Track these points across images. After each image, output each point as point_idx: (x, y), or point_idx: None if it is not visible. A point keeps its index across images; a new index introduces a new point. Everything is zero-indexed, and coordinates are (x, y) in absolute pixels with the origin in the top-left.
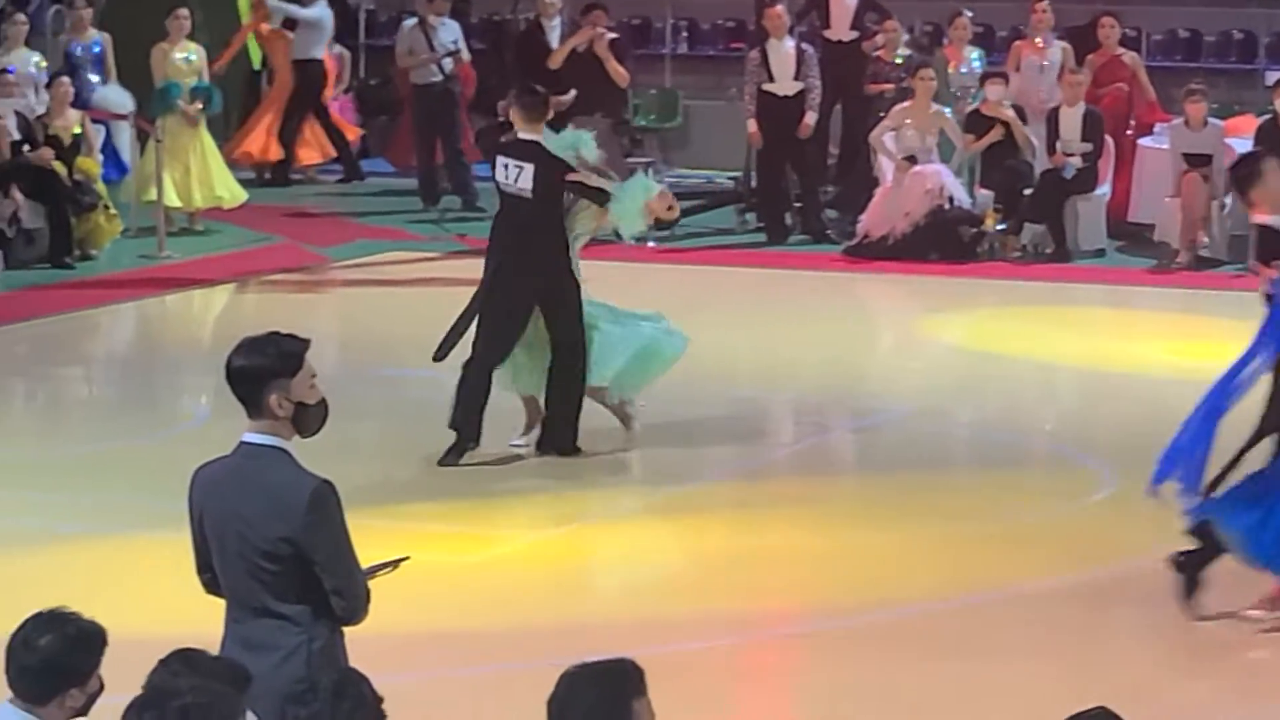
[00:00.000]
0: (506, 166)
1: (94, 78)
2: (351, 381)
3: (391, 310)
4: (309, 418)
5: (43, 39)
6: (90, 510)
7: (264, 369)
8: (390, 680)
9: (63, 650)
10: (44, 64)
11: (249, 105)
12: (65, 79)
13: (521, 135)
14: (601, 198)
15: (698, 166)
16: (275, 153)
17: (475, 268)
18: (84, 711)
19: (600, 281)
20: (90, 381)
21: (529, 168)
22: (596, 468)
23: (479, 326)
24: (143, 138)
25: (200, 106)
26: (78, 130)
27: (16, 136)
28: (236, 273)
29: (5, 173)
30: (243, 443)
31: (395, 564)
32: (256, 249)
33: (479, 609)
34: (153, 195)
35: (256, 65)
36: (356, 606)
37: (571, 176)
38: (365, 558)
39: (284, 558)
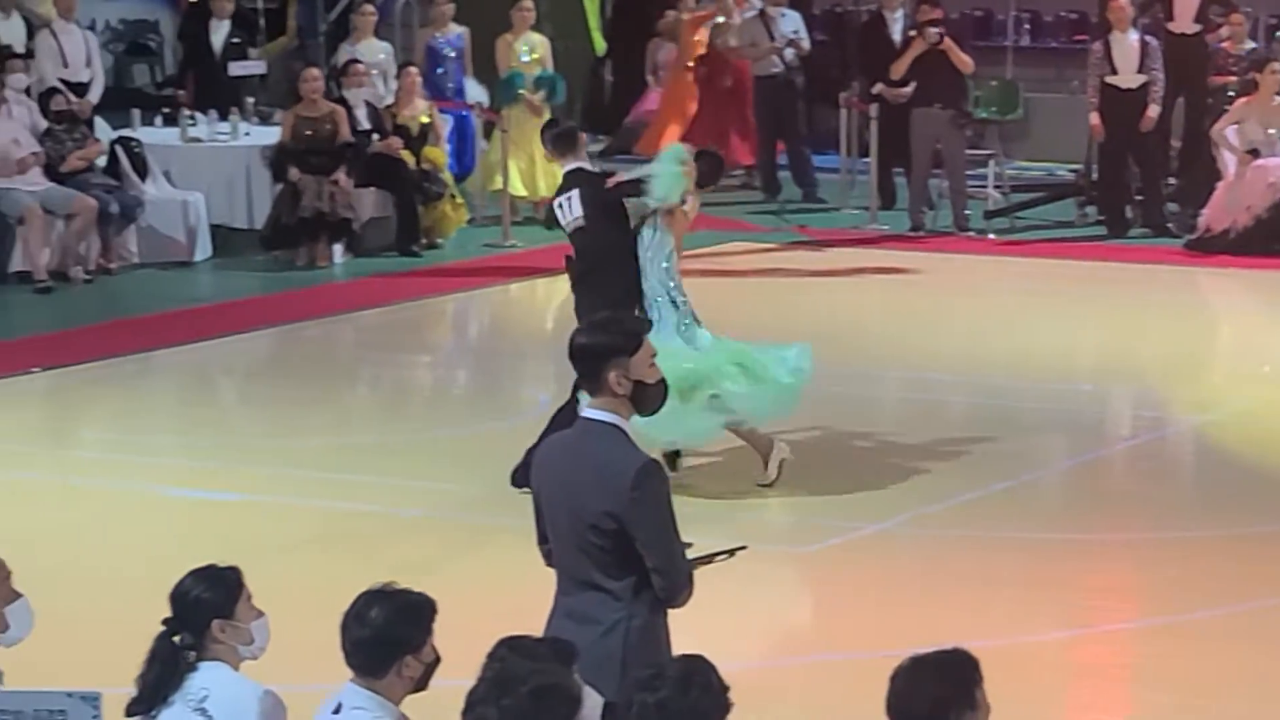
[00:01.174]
0: (560, 205)
1: (455, 71)
2: None
3: (733, 300)
4: (648, 396)
5: (392, 29)
6: (429, 495)
7: (605, 347)
8: (725, 667)
9: (393, 621)
10: (392, 54)
11: (593, 94)
12: (413, 69)
13: (565, 169)
14: (640, 186)
15: (1038, 159)
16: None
17: (815, 259)
18: (423, 683)
19: (936, 273)
20: (434, 368)
21: (575, 193)
22: (934, 455)
23: None
24: (488, 128)
25: (544, 96)
26: (425, 120)
27: (366, 126)
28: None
29: (346, 159)
30: (581, 418)
31: (732, 552)
32: None
33: (806, 601)
34: (498, 184)
35: (600, 52)
36: (676, 588)
37: (612, 181)
38: (703, 546)
39: (609, 532)
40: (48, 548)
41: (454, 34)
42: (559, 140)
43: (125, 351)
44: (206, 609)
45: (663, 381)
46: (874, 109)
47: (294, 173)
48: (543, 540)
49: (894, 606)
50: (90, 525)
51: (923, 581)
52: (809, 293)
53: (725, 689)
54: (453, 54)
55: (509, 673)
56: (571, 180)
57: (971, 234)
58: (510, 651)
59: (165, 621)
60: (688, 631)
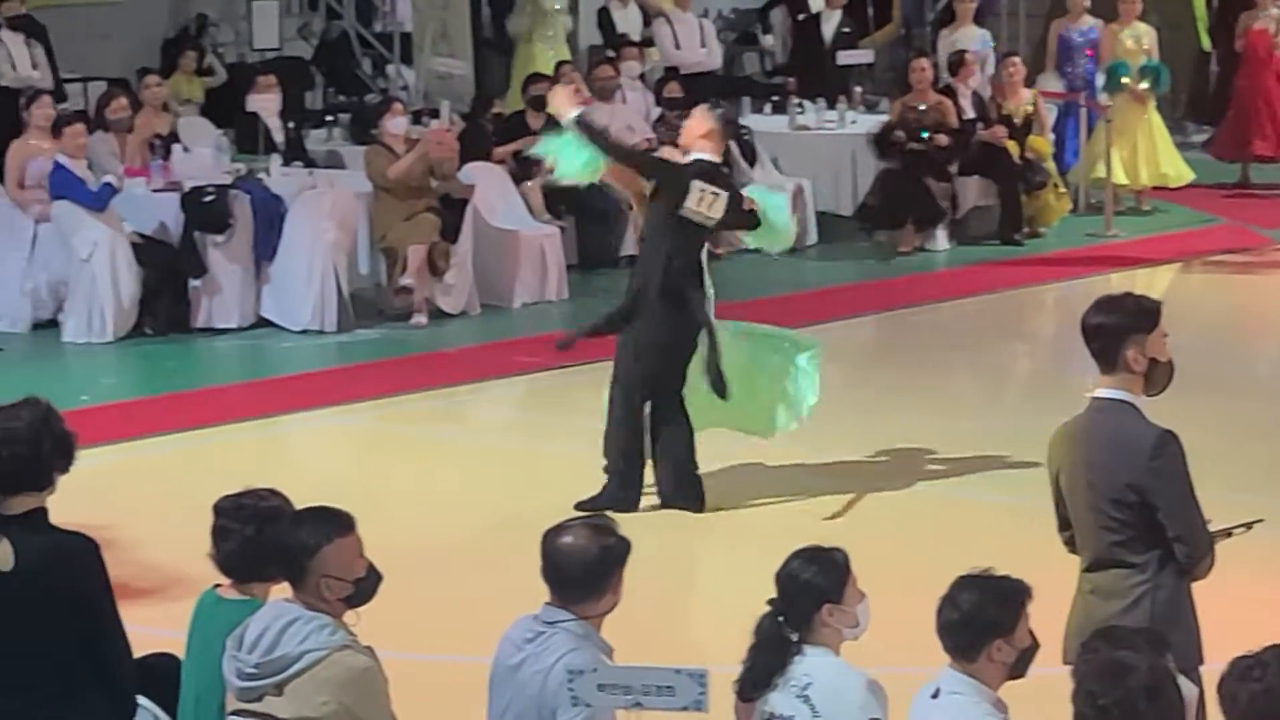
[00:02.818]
0: None
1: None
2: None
3: None
4: (1159, 374)
5: (997, 20)
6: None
7: (1121, 325)
8: None
9: (983, 605)
10: (989, 42)
11: (1197, 86)
12: (1016, 59)
13: None
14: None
15: None
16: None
17: None
18: (1020, 670)
19: None
20: (1032, 356)
21: None
22: None
23: None
24: (1092, 118)
25: (1147, 86)
26: (1030, 109)
27: (971, 115)
28: (1179, 253)
29: (952, 148)
30: (1094, 398)
31: (1250, 525)
32: (1200, 229)
33: None
34: (1100, 173)
35: (1205, 46)
36: (1199, 556)
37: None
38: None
39: (1130, 505)
40: (642, 527)
41: (1087, 25)
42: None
43: None
44: (816, 593)
45: (1171, 362)
46: None
47: (898, 134)
48: (1063, 527)
49: None
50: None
51: None
52: None
53: None
54: (1084, 45)
55: (1125, 663)
56: None
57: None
58: (1104, 642)
59: (771, 603)
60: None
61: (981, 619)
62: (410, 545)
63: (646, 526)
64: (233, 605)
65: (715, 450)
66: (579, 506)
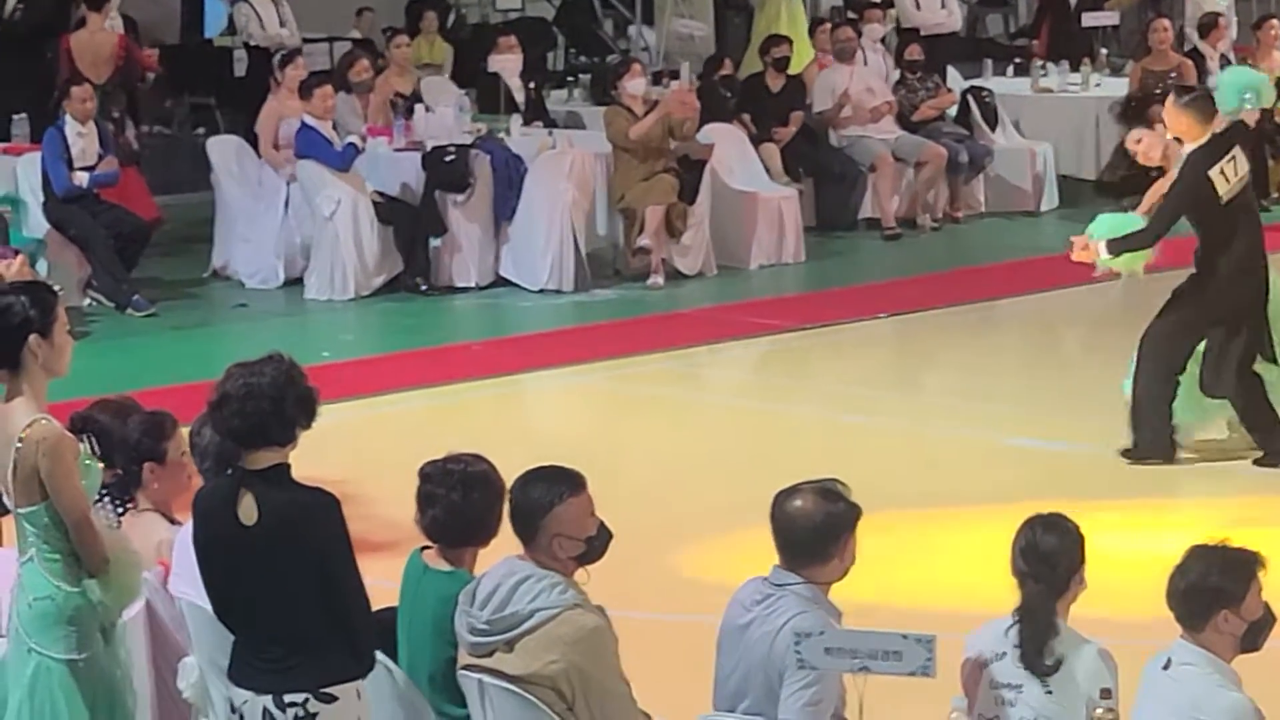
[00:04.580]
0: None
1: None
2: None
3: None
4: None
5: None
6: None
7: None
8: None
9: (1208, 573)
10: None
11: None
12: (1274, 20)
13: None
14: None
15: None
16: None
17: None
18: (1253, 644)
19: None
20: None
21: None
22: None
23: None
24: None
25: None
26: None
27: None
28: None
29: None
30: None
31: None
32: None
33: None
34: None
35: None
36: None
37: None
38: None
39: None
40: (902, 490)
41: None
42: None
43: (970, 300)
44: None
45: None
46: None
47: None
48: None
49: None
50: (928, 470)
51: None
52: None
53: None
54: None
55: None
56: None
57: None
58: None
59: (1030, 574)
60: None
61: (1206, 587)
62: (644, 505)
63: None
64: (440, 578)
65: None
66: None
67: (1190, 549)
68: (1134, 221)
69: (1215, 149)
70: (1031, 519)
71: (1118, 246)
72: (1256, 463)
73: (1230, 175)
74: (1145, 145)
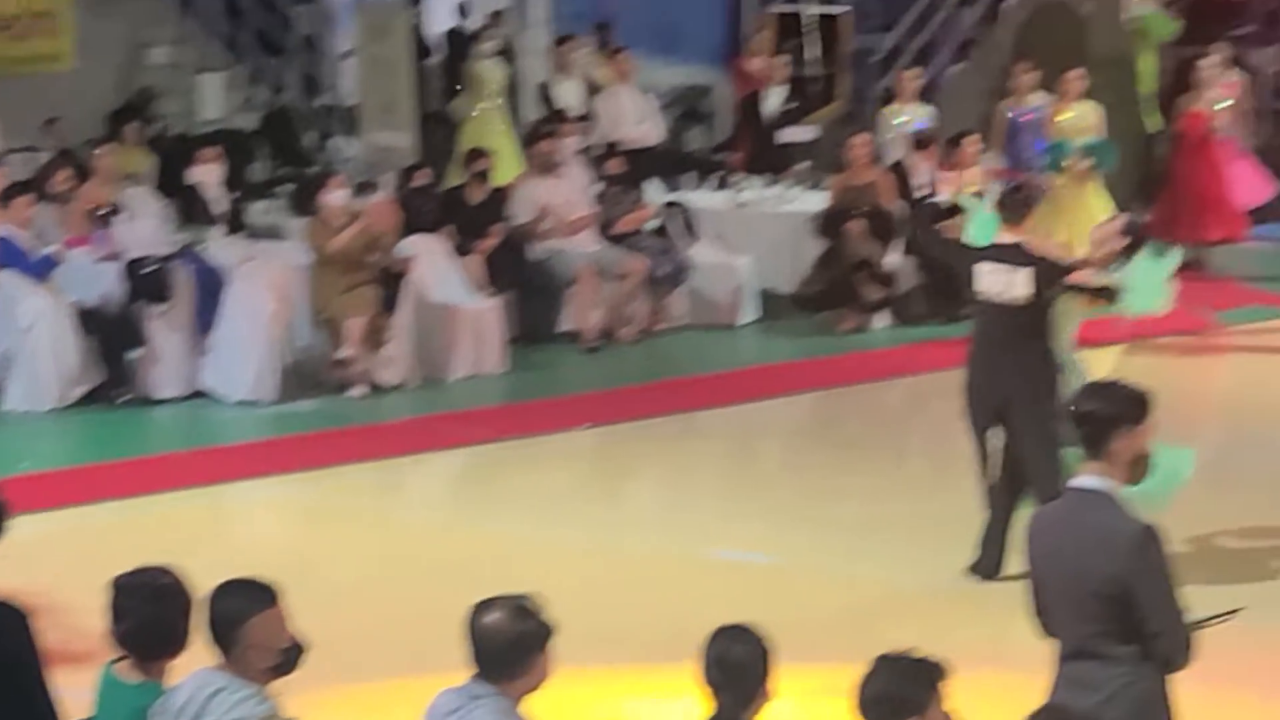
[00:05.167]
0: (993, 274)
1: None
2: (1235, 449)
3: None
4: (1141, 468)
5: (939, 95)
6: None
7: (1117, 414)
8: None
9: (894, 681)
10: (932, 120)
11: (1144, 168)
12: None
13: (1002, 239)
14: (1111, 295)
15: None
16: None
17: None
18: None
19: None
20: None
21: (1023, 273)
22: None
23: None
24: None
25: (1090, 164)
26: (976, 189)
27: (928, 193)
28: (1126, 334)
29: (890, 227)
30: (1072, 488)
31: (1229, 615)
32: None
33: None
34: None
35: (1152, 126)
36: (1178, 651)
37: (1075, 278)
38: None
39: (1111, 598)
40: (580, 604)
41: (1034, 103)
42: (1012, 209)
43: (669, 411)
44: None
45: (1149, 455)
46: None
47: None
48: (1040, 612)
49: None
50: (626, 583)
51: None
52: None
53: None
54: (1031, 123)
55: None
56: (1019, 256)
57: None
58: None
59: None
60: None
61: (891, 696)
62: (342, 616)
63: None
64: (131, 690)
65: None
66: None
67: (877, 659)
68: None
69: None
70: (720, 630)
71: None
72: (970, 569)
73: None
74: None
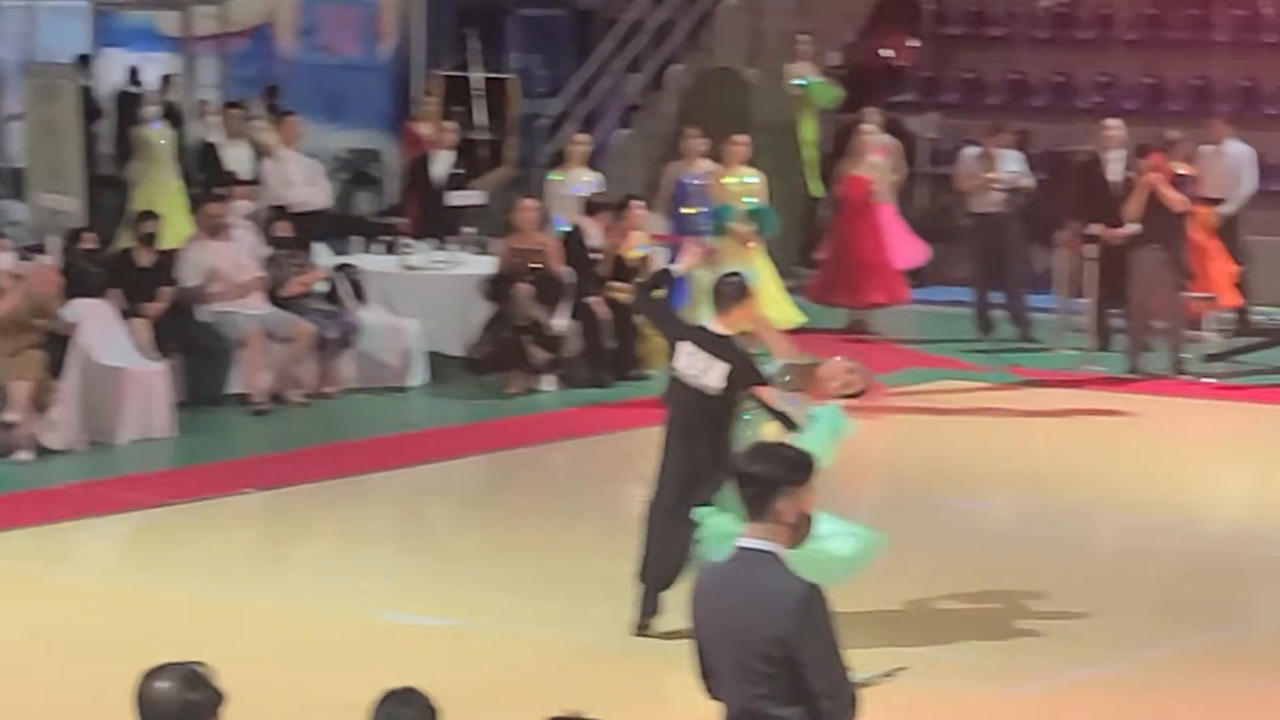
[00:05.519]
0: (693, 356)
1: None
2: (899, 508)
3: (942, 439)
4: (804, 529)
5: (608, 161)
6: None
7: (780, 477)
8: None
9: None
10: (601, 185)
11: (808, 233)
12: (637, 204)
13: (712, 327)
14: (788, 424)
15: (1261, 303)
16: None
17: (1029, 398)
18: None
19: (1151, 416)
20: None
21: (720, 366)
22: (1148, 599)
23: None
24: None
25: (752, 229)
26: (642, 253)
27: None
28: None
29: (558, 292)
30: (739, 548)
31: (889, 675)
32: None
33: None
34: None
35: (815, 192)
36: (844, 711)
37: (762, 392)
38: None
39: (776, 660)
40: (253, 669)
41: (702, 169)
42: (724, 297)
43: (340, 474)
44: None
45: (810, 517)
46: (1090, 249)
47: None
48: (704, 674)
49: None
50: (298, 647)
51: None
52: (1020, 432)
53: None
54: (698, 189)
55: None
56: (722, 348)
57: (1189, 377)
58: None
59: None
60: None
61: None
62: (9, 687)
63: None
64: None
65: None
66: None
67: None
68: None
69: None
70: (388, 693)
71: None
72: (637, 629)
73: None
74: None
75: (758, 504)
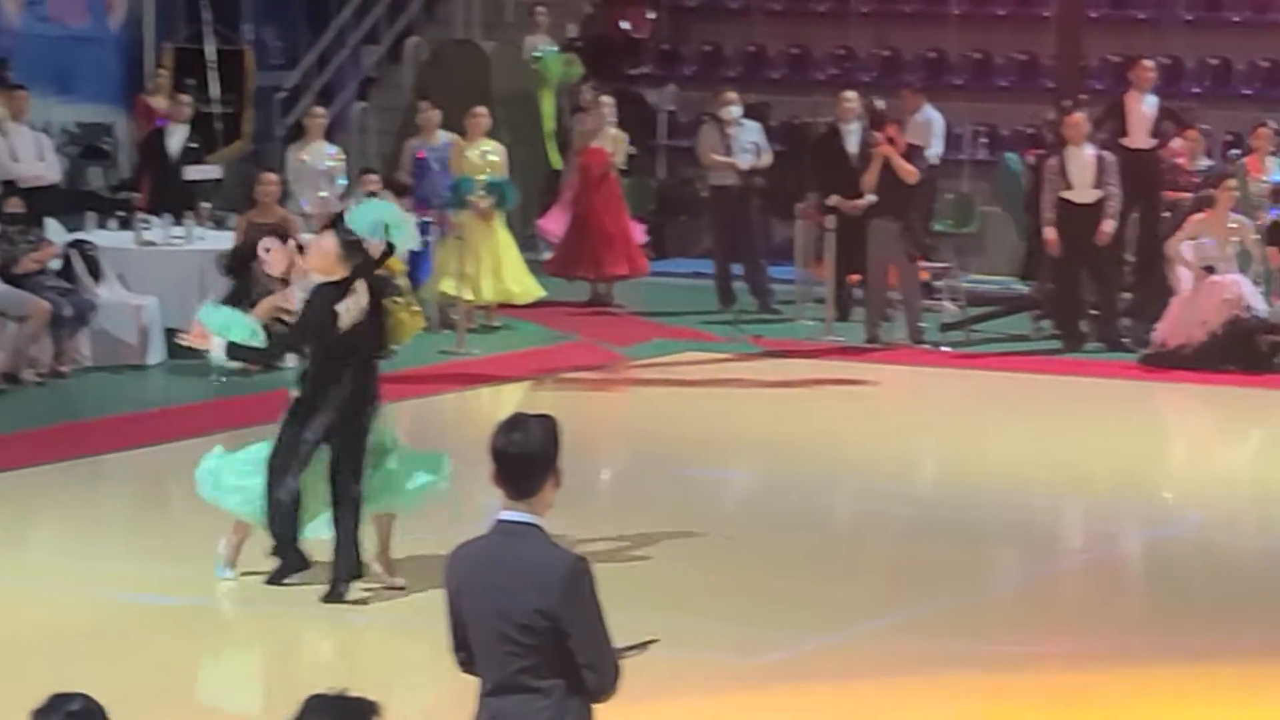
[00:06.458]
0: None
1: (442, 178)
2: (643, 480)
3: (685, 410)
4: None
5: (348, 134)
6: (362, 597)
7: (545, 453)
8: None
9: None
10: (341, 157)
11: (548, 205)
12: (371, 175)
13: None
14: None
15: (993, 272)
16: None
17: (771, 369)
18: None
19: (890, 385)
20: None
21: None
22: (884, 566)
23: None
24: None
25: (493, 202)
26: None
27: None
28: (532, 370)
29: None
30: (500, 521)
31: (644, 646)
32: (553, 346)
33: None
34: (446, 288)
35: (555, 164)
36: (607, 682)
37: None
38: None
39: (540, 631)
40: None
41: (441, 141)
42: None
43: (77, 455)
44: None
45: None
46: (830, 220)
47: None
48: (459, 648)
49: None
50: (35, 631)
51: (876, 696)
52: (763, 403)
53: None
54: (438, 161)
55: None
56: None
57: (926, 346)
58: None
59: None
60: None
61: None
62: None
63: None
64: None
65: None
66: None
67: (308, 699)
68: (243, 322)
69: (343, 284)
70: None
71: (237, 353)
72: (324, 599)
73: (352, 307)
74: (274, 257)
75: (518, 479)
